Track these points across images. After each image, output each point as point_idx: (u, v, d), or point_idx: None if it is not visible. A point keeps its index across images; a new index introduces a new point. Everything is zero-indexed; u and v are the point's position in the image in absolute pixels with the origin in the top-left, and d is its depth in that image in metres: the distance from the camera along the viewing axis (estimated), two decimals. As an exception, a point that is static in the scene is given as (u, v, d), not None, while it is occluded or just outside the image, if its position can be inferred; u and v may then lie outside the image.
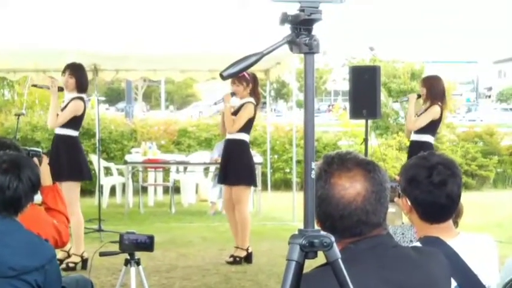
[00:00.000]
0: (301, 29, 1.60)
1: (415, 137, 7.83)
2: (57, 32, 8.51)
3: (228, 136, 7.63)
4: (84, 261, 7.25)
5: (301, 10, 1.57)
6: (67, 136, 7.32)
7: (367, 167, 2.12)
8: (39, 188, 3.38)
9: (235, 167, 7.62)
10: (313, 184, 1.66)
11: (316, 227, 1.72)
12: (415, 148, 7.42)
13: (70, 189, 6.97)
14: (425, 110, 7.80)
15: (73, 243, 7.13)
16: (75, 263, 7.22)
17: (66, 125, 7.28)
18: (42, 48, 8.82)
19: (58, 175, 6.78)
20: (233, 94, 7.62)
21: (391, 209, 3.04)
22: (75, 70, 7.39)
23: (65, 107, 7.33)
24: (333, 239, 1.67)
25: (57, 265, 3.24)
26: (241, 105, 7.56)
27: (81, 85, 7.38)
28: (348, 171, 2.10)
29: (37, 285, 3.05)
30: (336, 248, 1.68)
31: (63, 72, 7.40)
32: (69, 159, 7.25)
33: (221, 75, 1.64)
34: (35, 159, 3.80)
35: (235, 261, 7.58)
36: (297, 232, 1.68)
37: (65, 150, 7.25)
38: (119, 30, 8.66)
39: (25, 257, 3.04)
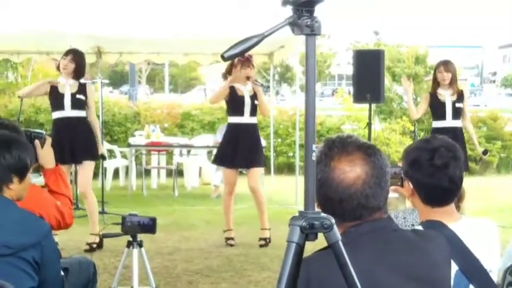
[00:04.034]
0: (303, 11, 1.59)
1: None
2: (60, 14, 8.51)
3: (245, 120, 7.70)
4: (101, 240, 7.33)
5: (303, -10, 1.57)
6: (84, 118, 7.45)
7: (368, 151, 2.12)
8: (25, 169, 3.29)
9: (260, 150, 7.90)
10: (314, 166, 1.66)
11: (317, 209, 1.73)
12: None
13: (91, 169, 7.58)
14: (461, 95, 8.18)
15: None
16: (97, 243, 7.27)
17: (83, 107, 7.42)
18: (45, 30, 8.81)
19: (80, 156, 7.24)
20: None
21: (394, 194, 3.04)
22: (78, 56, 7.44)
23: (79, 90, 7.38)
24: (333, 220, 1.67)
25: (53, 241, 3.22)
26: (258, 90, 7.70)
27: (79, 72, 7.44)
28: (348, 155, 2.10)
29: (34, 262, 3.04)
30: (336, 230, 1.68)
31: (65, 55, 7.41)
32: (91, 139, 7.47)
33: (222, 57, 1.64)
34: (37, 142, 3.78)
35: (266, 243, 7.69)
36: (297, 214, 1.68)
37: (85, 132, 7.40)
38: (123, 13, 8.65)
39: (20, 234, 3.03)
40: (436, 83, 8.15)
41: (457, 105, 8.06)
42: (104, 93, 11.59)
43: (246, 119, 7.67)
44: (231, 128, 7.79)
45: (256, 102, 7.62)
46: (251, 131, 7.72)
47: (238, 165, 7.81)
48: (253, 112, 7.68)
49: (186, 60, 11.99)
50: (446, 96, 8.06)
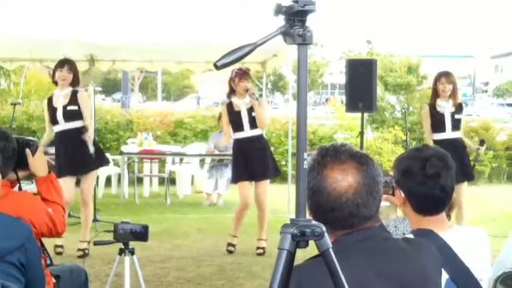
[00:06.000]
0: (295, 20, 1.61)
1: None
2: (53, 22, 8.49)
3: (246, 134, 7.74)
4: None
5: (295, 1, 1.58)
6: (80, 128, 7.41)
7: (361, 160, 2.12)
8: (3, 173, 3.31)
9: (267, 161, 7.90)
10: (305, 174, 1.67)
11: (308, 217, 1.73)
12: None
13: (94, 178, 7.73)
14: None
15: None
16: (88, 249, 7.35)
17: (77, 117, 7.39)
18: (38, 37, 8.79)
19: (88, 166, 7.33)
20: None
21: (386, 203, 3.05)
22: (73, 66, 7.48)
23: (71, 101, 7.36)
24: (324, 228, 1.67)
25: (35, 242, 3.20)
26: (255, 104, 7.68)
27: (76, 81, 7.47)
28: (341, 164, 2.10)
29: (20, 265, 3.04)
30: (327, 238, 1.69)
31: (61, 66, 7.38)
32: (89, 150, 7.46)
33: (215, 65, 1.65)
34: (27, 150, 3.77)
35: (264, 251, 7.69)
36: (288, 222, 1.69)
37: (82, 143, 7.39)
38: (116, 21, 8.65)
39: (4, 239, 3.02)
40: (435, 95, 7.97)
41: (456, 116, 7.90)
42: (97, 101, 11.60)
43: (247, 132, 7.72)
44: (236, 144, 7.89)
45: (253, 114, 7.65)
46: (255, 143, 7.78)
47: (247, 178, 7.80)
48: (254, 124, 7.70)
49: (179, 68, 11.99)
50: (445, 107, 7.90)
